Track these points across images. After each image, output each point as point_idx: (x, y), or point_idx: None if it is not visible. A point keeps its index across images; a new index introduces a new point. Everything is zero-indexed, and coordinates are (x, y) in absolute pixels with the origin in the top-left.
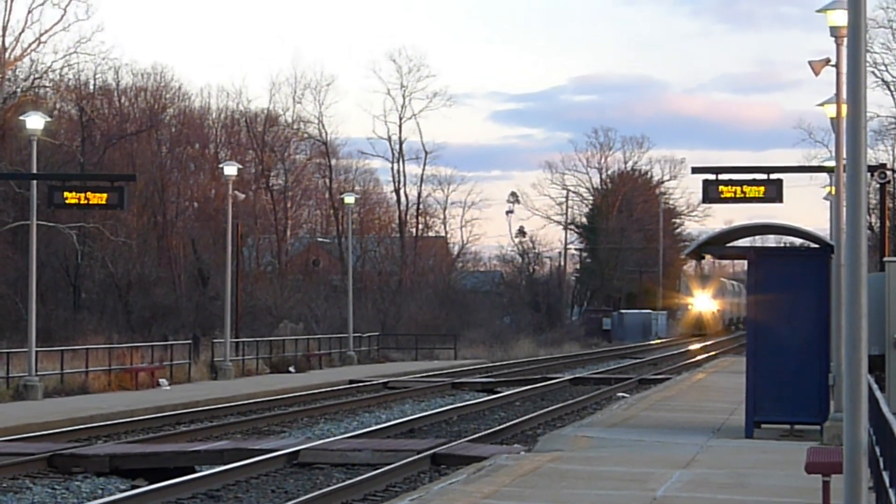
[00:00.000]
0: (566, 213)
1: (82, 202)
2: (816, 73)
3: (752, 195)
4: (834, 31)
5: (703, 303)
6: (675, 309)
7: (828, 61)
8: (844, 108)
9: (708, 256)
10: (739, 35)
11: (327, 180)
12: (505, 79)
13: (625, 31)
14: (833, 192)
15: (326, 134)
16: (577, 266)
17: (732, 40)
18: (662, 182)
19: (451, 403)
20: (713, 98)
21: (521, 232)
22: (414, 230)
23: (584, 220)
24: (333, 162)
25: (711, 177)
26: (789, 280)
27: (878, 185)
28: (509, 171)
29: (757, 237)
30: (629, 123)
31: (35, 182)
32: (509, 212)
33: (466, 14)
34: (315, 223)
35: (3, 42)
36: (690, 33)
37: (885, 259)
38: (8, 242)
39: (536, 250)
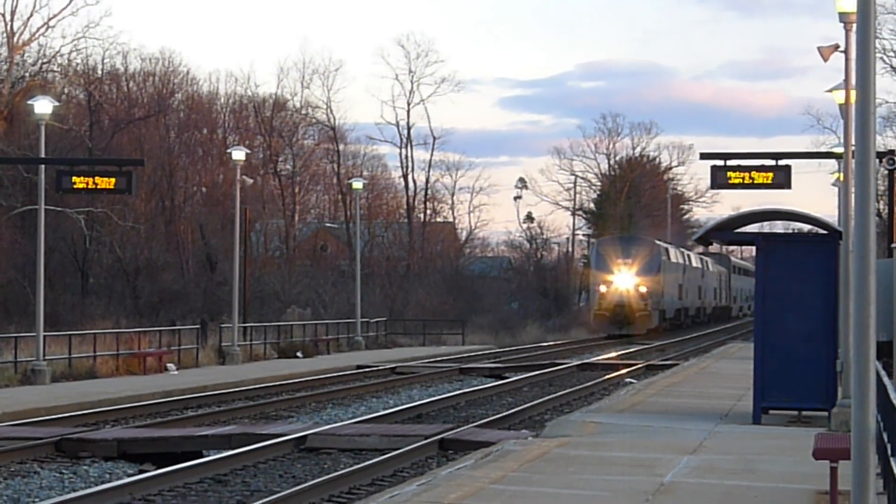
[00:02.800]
0: (574, 199)
1: (90, 187)
2: (825, 59)
3: (760, 181)
4: (843, 17)
5: (624, 281)
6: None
7: (836, 47)
8: (853, 94)
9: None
10: (747, 22)
11: (335, 165)
12: (512, 65)
13: (632, 17)
14: (841, 179)
15: (334, 119)
16: (585, 252)
17: (740, 27)
18: (670, 168)
19: (459, 389)
20: (721, 85)
21: (529, 218)
22: (422, 216)
23: (592, 205)
24: (341, 147)
25: (720, 163)
26: (797, 266)
27: (886, 172)
28: (517, 157)
29: (765, 223)
30: (636, 110)
31: (43, 167)
32: (517, 197)
33: (474, 0)
34: (323, 208)
35: (12, 26)
36: (698, 20)
37: (894, 245)
38: (16, 227)
39: (544, 236)
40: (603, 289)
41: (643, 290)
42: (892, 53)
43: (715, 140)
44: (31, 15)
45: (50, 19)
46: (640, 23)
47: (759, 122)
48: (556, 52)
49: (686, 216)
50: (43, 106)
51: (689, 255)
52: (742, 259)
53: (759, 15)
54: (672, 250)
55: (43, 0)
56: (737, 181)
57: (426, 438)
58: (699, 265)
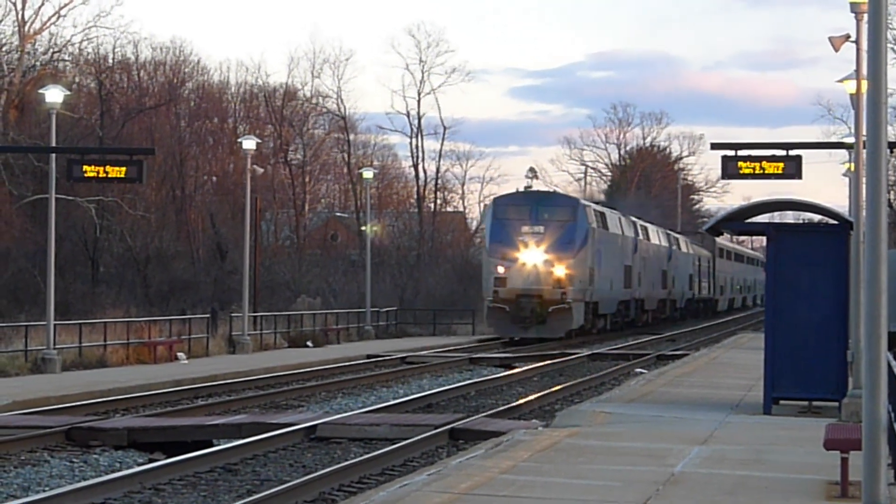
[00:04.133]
0: (584, 189)
1: (101, 175)
2: (836, 49)
3: (770, 171)
4: (854, 7)
5: (532, 258)
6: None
7: (848, 37)
8: (864, 84)
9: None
10: (757, 12)
11: (346, 155)
12: (523, 55)
13: (642, 7)
14: (852, 169)
15: (345, 109)
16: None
17: (750, 17)
18: (681, 158)
19: (469, 378)
20: (730, 75)
21: None
22: (432, 205)
23: (602, 195)
24: (352, 137)
25: (730, 153)
26: (808, 256)
27: None
28: (527, 147)
29: (776, 213)
30: (646, 100)
31: (54, 155)
32: (527, 187)
33: None
34: (333, 198)
35: (23, 16)
36: (708, 10)
37: None
38: (27, 216)
39: None
40: (501, 270)
41: (560, 272)
42: None
43: (725, 130)
44: (42, 4)
45: (61, 8)
46: (650, 12)
47: (769, 112)
48: (566, 42)
49: (697, 206)
50: (54, 95)
51: (644, 227)
52: (733, 242)
53: (769, 5)
54: (612, 216)
55: None
56: (747, 171)
57: (436, 428)
58: (661, 241)
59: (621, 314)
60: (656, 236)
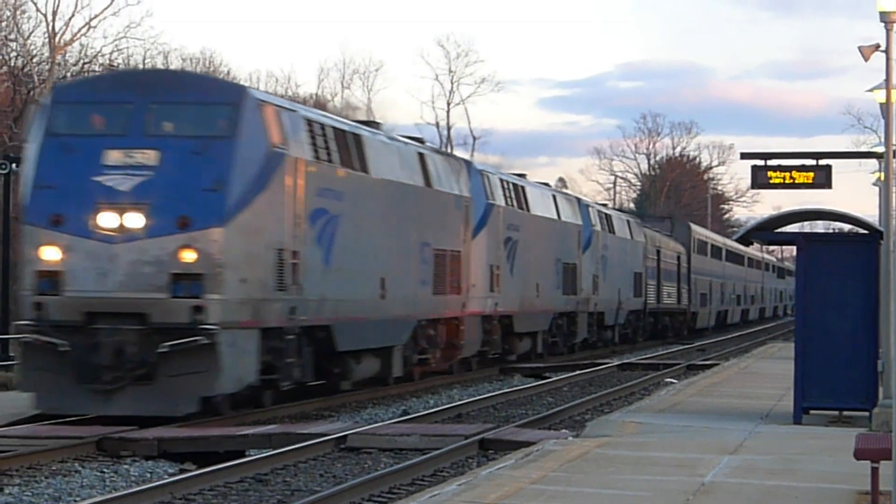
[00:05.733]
0: (614, 199)
1: None
2: (866, 59)
3: (800, 181)
4: (884, 16)
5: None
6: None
7: (877, 47)
8: (894, 93)
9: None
10: (784, 22)
11: None
12: (551, 65)
13: (670, 17)
14: (882, 178)
15: (375, 119)
16: None
17: (777, 27)
18: (711, 168)
19: (499, 389)
20: (759, 84)
21: None
22: None
23: (631, 205)
24: None
25: (760, 162)
26: (838, 266)
27: None
28: (556, 158)
29: (805, 223)
30: (675, 110)
31: None
32: None
33: (513, 0)
34: None
35: (54, 27)
36: (735, 20)
37: None
38: None
39: None
40: (50, 254)
41: (193, 257)
42: None
43: (754, 140)
44: (73, 15)
45: (91, 19)
46: (678, 23)
47: (798, 121)
48: (594, 53)
49: (726, 216)
50: None
51: (485, 176)
52: (717, 232)
53: (796, 16)
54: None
55: (84, 0)
56: (777, 181)
57: (466, 438)
58: (557, 211)
59: (380, 360)
60: (541, 199)
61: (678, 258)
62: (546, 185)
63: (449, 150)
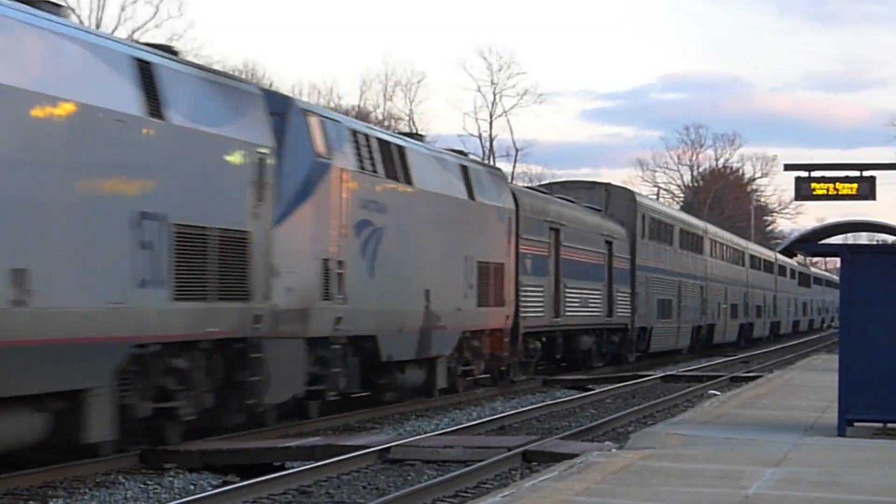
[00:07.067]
0: None
1: None
2: None
3: (844, 192)
4: None
5: None
6: None
7: None
8: None
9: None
10: (826, 34)
11: None
12: (593, 77)
13: (711, 29)
14: None
15: (417, 131)
16: None
17: (819, 39)
18: (754, 179)
19: (542, 401)
20: (801, 96)
21: None
22: None
23: None
24: None
25: (804, 174)
26: (883, 277)
27: None
28: (599, 169)
29: (849, 234)
30: (718, 121)
31: None
32: None
33: (555, 12)
34: None
35: None
36: (776, 32)
37: None
38: None
39: None
40: None
41: None
42: None
43: (797, 151)
44: (116, 27)
45: (134, 31)
46: (719, 35)
47: (841, 133)
48: (636, 65)
49: (770, 227)
50: None
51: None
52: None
53: (838, 27)
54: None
55: (128, 13)
56: (821, 192)
57: (509, 450)
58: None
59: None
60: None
61: (609, 246)
62: (461, 153)
63: (491, 162)
